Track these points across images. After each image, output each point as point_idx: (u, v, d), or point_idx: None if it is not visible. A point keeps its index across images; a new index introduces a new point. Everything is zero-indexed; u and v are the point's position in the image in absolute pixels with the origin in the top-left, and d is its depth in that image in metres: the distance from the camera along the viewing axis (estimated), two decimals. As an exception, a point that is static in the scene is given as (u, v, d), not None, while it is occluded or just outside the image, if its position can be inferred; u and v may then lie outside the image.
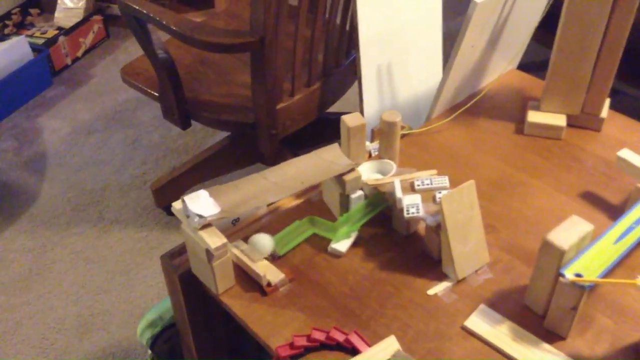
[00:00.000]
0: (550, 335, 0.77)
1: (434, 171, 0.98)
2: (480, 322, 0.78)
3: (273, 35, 1.29)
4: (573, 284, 0.69)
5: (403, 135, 1.11)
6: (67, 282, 1.60)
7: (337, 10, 1.45)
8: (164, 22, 1.29)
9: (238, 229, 0.93)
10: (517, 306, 0.81)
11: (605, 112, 1.13)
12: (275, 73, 1.35)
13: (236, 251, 0.87)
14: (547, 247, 0.72)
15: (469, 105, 1.19)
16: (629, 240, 0.76)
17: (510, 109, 1.20)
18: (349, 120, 0.92)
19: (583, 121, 1.14)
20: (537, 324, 0.78)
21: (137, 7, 1.31)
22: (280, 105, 1.42)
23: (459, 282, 0.85)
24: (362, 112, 1.27)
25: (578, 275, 0.69)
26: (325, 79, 1.51)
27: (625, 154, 0.94)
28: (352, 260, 0.89)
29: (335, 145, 0.94)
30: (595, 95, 1.11)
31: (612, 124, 1.15)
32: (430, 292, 0.84)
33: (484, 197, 0.96)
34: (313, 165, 0.90)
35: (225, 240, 0.78)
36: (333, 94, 1.58)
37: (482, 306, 0.80)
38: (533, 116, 1.14)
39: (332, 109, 1.64)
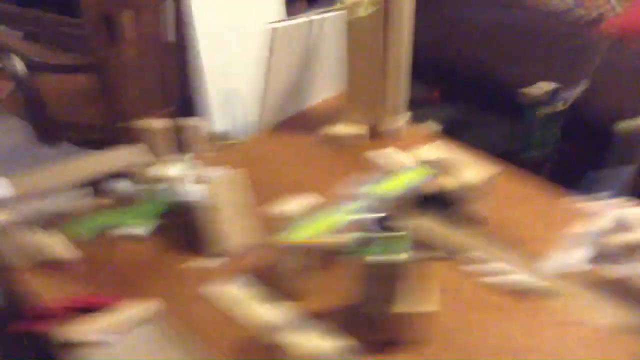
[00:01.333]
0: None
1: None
2: (232, 288, 0.92)
3: (107, 59, 1.43)
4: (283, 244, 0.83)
5: (229, 145, 1.29)
6: None
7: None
8: (22, 52, 1.46)
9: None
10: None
11: (401, 123, 1.30)
12: (116, 94, 1.49)
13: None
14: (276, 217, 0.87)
15: (278, 121, 1.37)
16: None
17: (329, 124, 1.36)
18: (154, 124, 1.09)
19: (382, 131, 1.30)
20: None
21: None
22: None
23: (228, 257, 0.98)
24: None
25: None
26: (183, 100, 1.65)
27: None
28: (148, 243, 1.02)
29: (140, 145, 1.09)
30: (388, 109, 1.28)
31: (410, 136, 1.30)
32: (194, 264, 0.97)
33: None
34: (112, 158, 1.05)
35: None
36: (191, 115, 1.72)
37: (242, 278, 0.94)
38: (338, 128, 1.30)
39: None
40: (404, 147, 1.21)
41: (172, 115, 1.68)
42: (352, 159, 1.24)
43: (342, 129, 1.30)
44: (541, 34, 1.81)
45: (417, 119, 1.35)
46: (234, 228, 0.98)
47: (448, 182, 1.00)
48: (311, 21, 1.29)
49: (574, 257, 0.95)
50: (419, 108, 1.36)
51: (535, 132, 1.49)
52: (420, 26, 1.22)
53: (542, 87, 1.50)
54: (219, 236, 0.97)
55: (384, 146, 1.27)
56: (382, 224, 0.78)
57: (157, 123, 1.11)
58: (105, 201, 1.08)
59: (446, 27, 1.97)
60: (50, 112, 1.61)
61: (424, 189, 1.01)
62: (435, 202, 1.01)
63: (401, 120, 1.31)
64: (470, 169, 1.01)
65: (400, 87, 1.27)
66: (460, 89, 1.84)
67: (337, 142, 1.30)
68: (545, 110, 1.41)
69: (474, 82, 1.77)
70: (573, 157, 1.50)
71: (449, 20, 2.00)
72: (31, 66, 1.49)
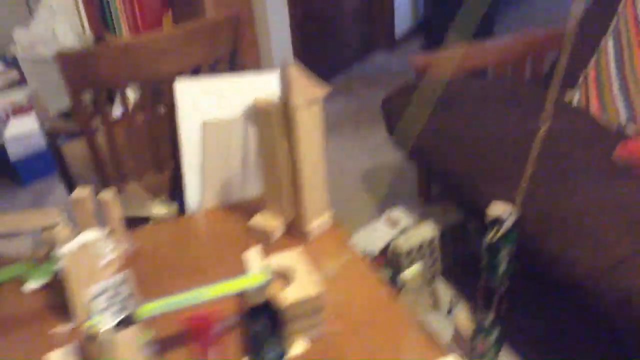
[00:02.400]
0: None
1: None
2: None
3: (90, 123, 1.62)
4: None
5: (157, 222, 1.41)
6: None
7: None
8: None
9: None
10: None
11: (316, 225, 1.32)
12: (102, 156, 1.68)
13: None
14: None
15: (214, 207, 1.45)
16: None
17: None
18: (76, 193, 1.23)
19: (295, 230, 1.33)
20: None
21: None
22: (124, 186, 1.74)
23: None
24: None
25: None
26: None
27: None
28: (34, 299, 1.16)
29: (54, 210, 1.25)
30: (298, 209, 1.31)
31: (321, 240, 1.32)
32: (51, 331, 1.08)
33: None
34: (30, 216, 1.21)
35: None
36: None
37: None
38: (254, 219, 1.36)
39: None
40: (315, 249, 1.24)
41: (166, 181, 1.85)
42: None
43: (261, 222, 1.35)
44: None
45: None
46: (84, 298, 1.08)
47: (281, 294, 1.00)
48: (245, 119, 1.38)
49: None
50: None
51: (484, 256, 1.40)
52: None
53: (496, 208, 1.41)
54: (71, 305, 1.07)
55: (296, 245, 1.30)
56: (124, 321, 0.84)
57: (80, 191, 1.25)
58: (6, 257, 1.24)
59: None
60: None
61: (254, 297, 1.02)
62: (263, 311, 1.02)
63: (318, 222, 1.33)
64: (307, 284, 1.01)
65: (317, 192, 1.30)
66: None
67: (257, 235, 1.35)
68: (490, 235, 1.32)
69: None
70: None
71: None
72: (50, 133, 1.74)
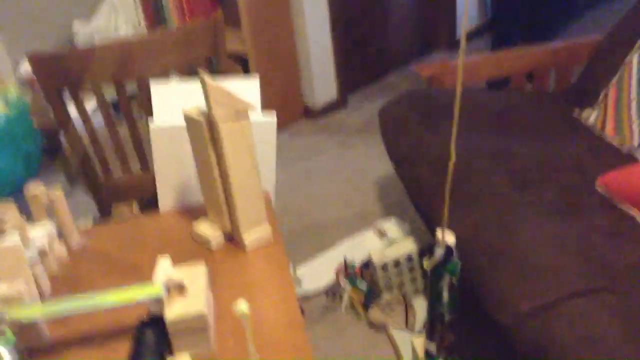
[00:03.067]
0: None
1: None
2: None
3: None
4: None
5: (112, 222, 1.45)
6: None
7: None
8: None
9: None
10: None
11: (251, 239, 1.31)
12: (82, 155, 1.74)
13: None
14: None
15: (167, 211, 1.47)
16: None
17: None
18: (31, 188, 1.29)
19: (235, 238, 1.34)
20: None
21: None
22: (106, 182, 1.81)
23: None
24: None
25: None
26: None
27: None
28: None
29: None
30: (233, 220, 1.31)
31: (264, 251, 1.31)
32: None
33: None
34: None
35: None
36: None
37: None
38: (196, 225, 1.37)
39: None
40: (246, 260, 1.24)
41: (151, 180, 1.90)
42: (191, 256, 1.31)
43: (202, 229, 1.36)
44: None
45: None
46: None
47: (166, 309, 1.01)
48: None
49: None
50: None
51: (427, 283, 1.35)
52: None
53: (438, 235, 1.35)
54: None
55: (233, 254, 1.30)
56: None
57: (36, 189, 1.31)
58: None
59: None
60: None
61: (152, 309, 1.04)
62: (154, 325, 1.03)
63: (256, 235, 1.32)
64: (196, 301, 1.01)
65: (251, 205, 1.29)
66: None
67: (200, 241, 1.37)
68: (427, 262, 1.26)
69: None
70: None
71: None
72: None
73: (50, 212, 1.38)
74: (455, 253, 1.28)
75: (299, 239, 2.39)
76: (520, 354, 1.10)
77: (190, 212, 1.49)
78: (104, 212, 1.82)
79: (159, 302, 1.03)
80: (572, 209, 1.29)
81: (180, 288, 1.07)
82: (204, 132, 1.20)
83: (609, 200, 1.37)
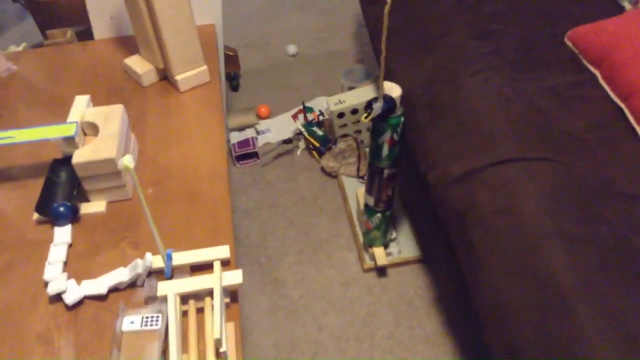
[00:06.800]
0: None
1: None
2: None
3: None
4: None
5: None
6: None
7: None
8: None
9: None
10: None
11: (183, 77, 1.22)
12: None
13: None
14: None
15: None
16: None
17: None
18: None
19: (168, 76, 1.25)
20: None
21: None
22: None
23: None
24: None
25: None
26: None
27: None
28: None
29: None
30: (166, 60, 1.21)
31: (198, 91, 1.23)
32: None
33: None
34: None
35: None
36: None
37: None
38: (129, 59, 1.27)
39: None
40: (178, 101, 1.17)
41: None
42: (122, 91, 1.23)
43: (134, 63, 1.27)
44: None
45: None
46: None
47: (76, 151, 0.95)
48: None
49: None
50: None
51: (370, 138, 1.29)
52: None
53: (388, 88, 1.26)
54: None
55: (166, 94, 1.23)
56: None
57: None
58: None
59: None
60: None
61: (64, 149, 0.98)
62: (65, 166, 0.98)
63: (190, 74, 1.23)
64: (106, 145, 0.95)
65: (184, 45, 1.18)
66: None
67: (132, 76, 1.28)
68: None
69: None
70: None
71: None
72: None
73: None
74: (399, 107, 1.21)
75: (263, 76, 2.29)
76: (441, 219, 1.07)
77: (126, 45, 1.38)
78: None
79: (71, 142, 0.97)
80: (531, 64, 1.19)
81: (94, 129, 1.00)
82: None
83: (575, 58, 1.26)
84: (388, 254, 1.56)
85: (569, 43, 1.29)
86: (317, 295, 1.53)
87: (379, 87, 1.13)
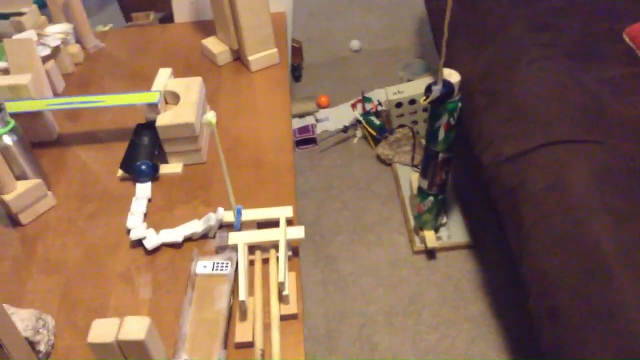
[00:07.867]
0: None
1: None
2: None
3: None
4: None
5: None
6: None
7: None
8: None
9: None
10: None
11: (255, 58, 1.31)
12: None
13: None
14: None
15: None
16: None
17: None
18: None
19: (241, 57, 1.35)
20: None
21: None
22: None
23: None
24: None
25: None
26: None
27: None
28: None
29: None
30: (240, 41, 1.31)
31: (267, 72, 1.33)
32: None
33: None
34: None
35: None
36: None
37: None
38: (206, 40, 1.37)
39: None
40: (249, 79, 1.27)
41: None
42: (198, 69, 1.34)
43: (210, 44, 1.37)
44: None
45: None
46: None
47: (159, 116, 1.06)
48: None
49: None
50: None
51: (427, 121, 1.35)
52: None
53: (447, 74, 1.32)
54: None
55: (238, 72, 1.32)
56: None
57: None
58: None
59: None
60: None
61: (146, 114, 1.08)
62: (149, 129, 1.08)
63: (261, 55, 1.32)
64: (186, 112, 1.05)
65: (258, 27, 1.28)
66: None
67: (208, 56, 1.38)
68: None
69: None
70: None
71: None
72: None
73: (69, 15, 1.40)
74: (457, 92, 1.27)
75: (324, 69, 2.38)
76: (493, 197, 1.12)
77: (204, 28, 1.48)
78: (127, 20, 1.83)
79: (154, 108, 1.08)
80: (588, 56, 1.23)
81: (175, 97, 1.10)
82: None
83: (632, 53, 1.29)
84: (438, 238, 1.62)
85: (626, 39, 1.32)
86: (367, 272, 1.60)
87: (438, 72, 1.19)
